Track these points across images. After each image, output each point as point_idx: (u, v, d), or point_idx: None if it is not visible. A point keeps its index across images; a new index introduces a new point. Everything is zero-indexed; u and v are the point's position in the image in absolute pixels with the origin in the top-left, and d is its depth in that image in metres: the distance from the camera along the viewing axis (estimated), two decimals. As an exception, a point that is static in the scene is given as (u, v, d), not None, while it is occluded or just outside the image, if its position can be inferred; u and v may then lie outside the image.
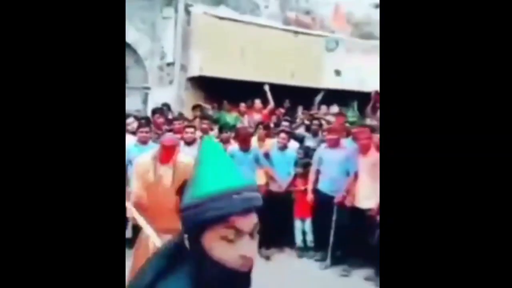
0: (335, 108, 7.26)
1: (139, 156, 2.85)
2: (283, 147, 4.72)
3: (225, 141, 4.72)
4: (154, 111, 5.53)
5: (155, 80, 7.56)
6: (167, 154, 2.48)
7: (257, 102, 6.63)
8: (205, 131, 4.79)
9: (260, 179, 4.60)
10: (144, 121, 4.50)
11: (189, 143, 4.41)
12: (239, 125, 5.43)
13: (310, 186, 4.44)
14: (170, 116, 5.55)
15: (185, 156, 2.63)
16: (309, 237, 4.55)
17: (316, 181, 4.42)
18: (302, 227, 4.58)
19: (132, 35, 7.50)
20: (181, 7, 7.32)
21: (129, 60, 7.81)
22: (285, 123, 5.58)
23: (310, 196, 4.41)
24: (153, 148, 3.02)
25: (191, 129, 4.48)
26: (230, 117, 6.31)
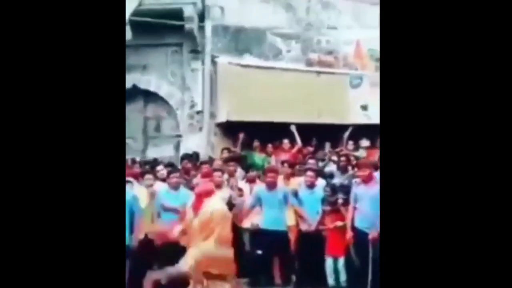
0: (365, 142, 7.22)
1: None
2: (311, 186, 4.73)
3: (251, 181, 4.81)
4: (183, 158, 5.78)
5: (186, 128, 7.93)
6: (199, 200, 2.53)
7: (285, 142, 6.75)
8: (231, 174, 4.92)
9: (289, 219, 4.60)
10: (173, 168, 4.72)
11: (217, 186, 4.55)
12: (266, 166, 5.54)
13: (348, 223, 4.32)
14: (198, 163, 5.77)
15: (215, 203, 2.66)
16: (343, 277, 4.42)
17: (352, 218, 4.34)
18: (335, 266, 4.47)
19: (164, 88, 8.02)
20: (208, 59, 7.79)
21: (162, 111, 8.30)
22: (311, 161, 5.62)
23: (349, 234, 4.28)
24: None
25: (219, 173, 4.64)
26: (258, 157, 6.44)
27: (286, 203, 4.53)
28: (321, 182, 5.02)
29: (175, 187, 4.35)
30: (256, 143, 6.79)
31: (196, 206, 2.53)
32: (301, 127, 6.67)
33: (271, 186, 4.52)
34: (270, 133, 6.73)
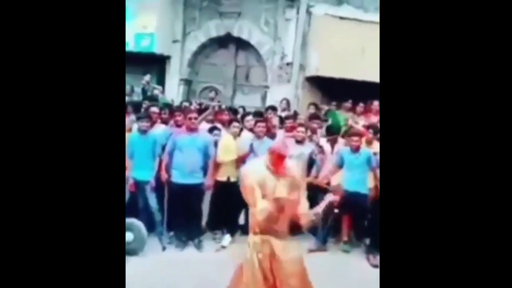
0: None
1: (250, 164, 2.85)
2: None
3: (333, 140, 4.75)
4: (267, 108, 5.86)
5: (274, 79, 7.95)
6: (278, 163, 2.41)
7: (375, 104, 6.42)
8: (313, 131, 4.89)
9: (370, 182, 4.51)
10: (260, 117, 4.84)
11: (299, 141, 4.59)
12: (350, 123, 5.39)
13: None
14: (283, 114, 5.80)
15: (296, 165, 2.60)
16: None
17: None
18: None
19: (256, 37, 8.02)
20: (303, 8, 7.51)
21: (252, 60, 8.38)
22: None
23: None
24: (262, 157, 2.78)
25: (302, 128, 4.65)
26: (343, 117, 6.27)
27: (369, 166, 4.42)
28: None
29: (260, 136, 4.48)
30: (347, 103, 6.56)
31: (276, 168, 2.46)
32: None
33: (356, 148, 4.42)
34: (361, 92, 6.43)
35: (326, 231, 4.51)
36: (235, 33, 8.11)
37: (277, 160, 2.43)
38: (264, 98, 8.15)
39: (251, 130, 4.71)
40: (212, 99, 6.82)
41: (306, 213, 2.45)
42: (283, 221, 2.42)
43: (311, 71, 7.40)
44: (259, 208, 2.34)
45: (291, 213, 2.44)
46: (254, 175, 2.42)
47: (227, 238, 4.49)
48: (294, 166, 2.59)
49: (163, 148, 4.38)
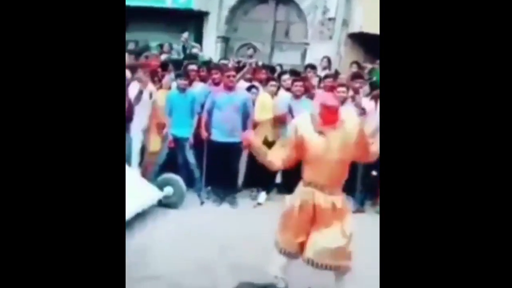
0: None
1: (298, 118, 2.68)
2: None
3: (377, 98, 4.56)
4: (306, 67, 5.68)
5: (315, 35, 7.64)
6: (329, 115, 2.33)
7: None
8: (356, 91, 4.70)
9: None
10: (298, 76, 4.71)
11: (341, 102, 4.44)
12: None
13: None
14: (323, 73, 5.61)
15: (351, 118, 2.48)
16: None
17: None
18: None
19: (297, -11, 7.65)
20: (349, -42, 7.02)
21: (292, 15, 8.06)
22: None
23: None
24: (308, 111, 2.65)
25: (343, 88, 4.48)
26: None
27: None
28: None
29: (298, 95, 4.38)
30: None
31: (327, 119, 2.38)
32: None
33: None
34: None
35: (363, 194, 4.49)
36: (275, -13, 7.78)
37: (328, 114, 2.34)
38: (304, 56, 7.90)
39: (288, 89, 4.61)
40: (250, 57, 6.70)
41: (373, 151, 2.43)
42: (336, 176, 2.43)
43: (355, 27, 7.03)
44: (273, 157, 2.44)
45: (343, 168, 2.43)
46: (299, 129, 2.41)
47: (262, 195, 4.57)
48: (349, 118, 2.45)
49: (202, 106, 4.42)
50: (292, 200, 2.52)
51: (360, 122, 2.49)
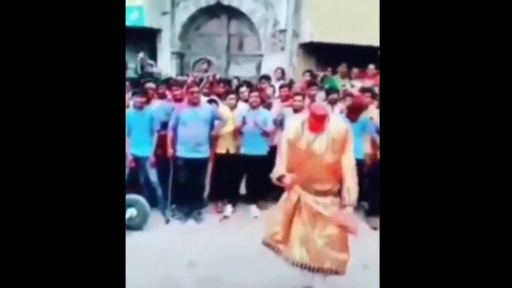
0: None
1: (290, 121, 2.90)
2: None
3: (333, 103, 4.74)
4: (260, 78, 5.81)
5: (268, 47, 7.82)
6: (317, 123, 2.49)
7: (371, 68, 6.38)
8: (312, 98, 4.87)
9: (366, 147, 4.54)
10: (253, 88, 4.82)
11: (297, 110, 4.58)
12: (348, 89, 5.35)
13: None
14: (277, 84, 5.76)
15: (338, 123, 2.64)
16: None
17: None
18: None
19: (248, 4, 7.82)
20: (295, -28, 7.30)
21: (244, 29, 8.21)
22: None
23: None
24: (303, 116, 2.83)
25: (299, 97, 4.62)
26: (339, 82, 6.23)
27: (364, 131, 4.44)
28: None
29: (255, 106, 4.47)
30: (341, 67, 6.49)
31: (314, 127, 2.53)
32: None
33: (352, 120, 4.41)
34: (355, 56, 6.36)
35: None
36: (225, 1, 7.90)
37: (317, 122, 2.49)
38: (259, 68, 8.06)
39: (246, 101, 4.69)
40: (205, 71, 6.74)
41: (349, 164, 2.52)
42: (323, 179, 2.54)
43: (305, 38, 7.29)
44: (274, 170, 2.53)
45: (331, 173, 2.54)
46: (289, 132, 2.57)
47: (228, 208, 4.58)
48: (336, 122, 2.61)
49: (163, 123, 4.38)
50: (282, 202, 2.66)
51: (347, 128, 2.63)
